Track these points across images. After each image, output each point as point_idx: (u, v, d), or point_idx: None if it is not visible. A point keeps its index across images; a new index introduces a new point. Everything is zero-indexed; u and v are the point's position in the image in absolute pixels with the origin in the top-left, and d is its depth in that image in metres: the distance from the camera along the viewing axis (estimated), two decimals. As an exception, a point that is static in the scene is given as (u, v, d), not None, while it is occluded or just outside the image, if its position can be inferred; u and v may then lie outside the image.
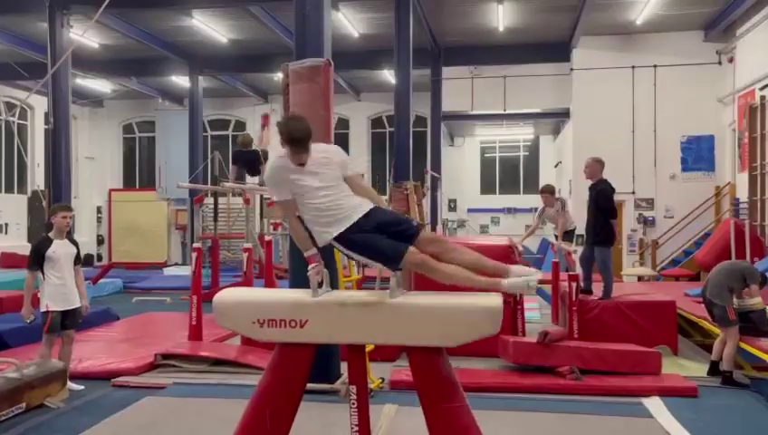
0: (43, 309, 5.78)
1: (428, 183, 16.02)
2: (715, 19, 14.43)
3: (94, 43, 16.09)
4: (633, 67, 15.61)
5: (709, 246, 12.88)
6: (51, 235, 5.92)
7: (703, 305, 6.77)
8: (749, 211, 12.65)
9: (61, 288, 5.83)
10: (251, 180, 11.24)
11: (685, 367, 6.75)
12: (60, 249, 5.85)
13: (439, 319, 3.31)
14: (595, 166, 7.71)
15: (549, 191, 9.07)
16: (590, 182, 7.82)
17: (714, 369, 6.44)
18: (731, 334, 6.25)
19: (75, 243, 6.12)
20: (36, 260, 5.79)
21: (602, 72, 15.63)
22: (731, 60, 14.56)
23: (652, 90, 15.54)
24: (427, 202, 15.06)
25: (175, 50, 17.07)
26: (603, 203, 7.52)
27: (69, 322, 5.92)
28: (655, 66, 15.46)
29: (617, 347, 6.54)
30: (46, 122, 13.00)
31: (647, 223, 15.63)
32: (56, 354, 5.95)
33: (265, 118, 10.34)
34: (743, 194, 13.44)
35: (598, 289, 7.77)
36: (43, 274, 5.80)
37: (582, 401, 5.65)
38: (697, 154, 15.54)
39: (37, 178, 18.83)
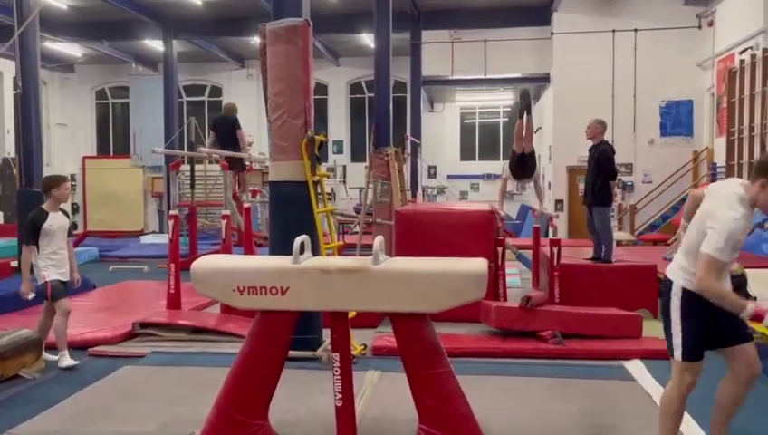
0: (41, 281, 5.60)
1: (408, 149, 15.89)
2: (695, -18, 14.36)
3: (62, 5, 15.57)
4: (614, 31, 15.50)
5: (686, 210, 12.96)
6: (45, 207, 5.69)
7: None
8: (726, 176, 12.72)
9: (57, 261, 5.67)
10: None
11: (664, 330, 6.80)
12: (56, 222, 5.67)
13: (423, 285, 3.25)
14: (597, 127, 7.79)
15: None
16: (588, 144, 7.95)
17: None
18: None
19: (66, 214, 5.94)
20: (33, 233, 5.56)
21: (583, 36, 15.51)
22: (711, 24, 14.52)
23: (632, 54, 15.47)
24: (407, 168, 14.95)
25: (148, 12, 16.59)
26: (605, 163, 7.60)
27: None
28: (635, 30, 15.36)
29: (598, 311, 6.56)
30: (15, 87, 12.59)
31: (625, 188, 15.70)
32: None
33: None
34: (720, 159, 13.53)
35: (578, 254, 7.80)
36: (37, 247, 5.60)
37: (564, 365, 5.67)
38: (676, 119, 15.59)
39: (7, 144, 18.35)
